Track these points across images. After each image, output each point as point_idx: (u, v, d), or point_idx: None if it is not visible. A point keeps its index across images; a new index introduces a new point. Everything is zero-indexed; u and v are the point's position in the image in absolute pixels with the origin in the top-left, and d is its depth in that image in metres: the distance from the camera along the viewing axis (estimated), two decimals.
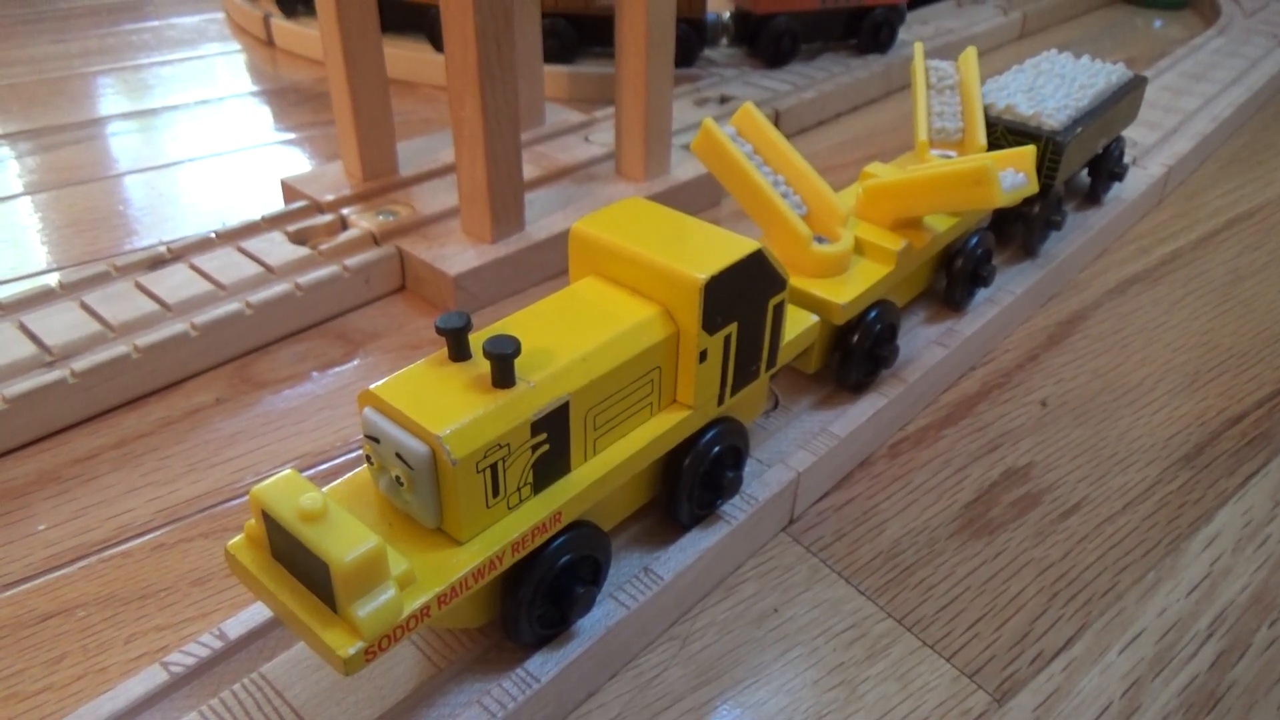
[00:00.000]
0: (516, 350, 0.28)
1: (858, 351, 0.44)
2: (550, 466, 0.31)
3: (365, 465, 0.30)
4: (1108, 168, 0.63)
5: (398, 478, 0.28)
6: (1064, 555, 0.41)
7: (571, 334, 0.31)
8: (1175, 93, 0.85)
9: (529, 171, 0.65)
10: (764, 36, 0.88)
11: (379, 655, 0.26)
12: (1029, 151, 0.49)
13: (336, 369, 0.52)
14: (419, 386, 0.29)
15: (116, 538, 0.41)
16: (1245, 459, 0.46)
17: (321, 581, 0.26)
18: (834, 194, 0.44)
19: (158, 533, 0.41)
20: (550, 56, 0.87)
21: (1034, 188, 0.49)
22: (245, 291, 0.53)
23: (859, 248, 0.45)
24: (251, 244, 0.56)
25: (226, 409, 0.49)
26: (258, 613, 0.34)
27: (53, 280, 0.52)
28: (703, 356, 0.33)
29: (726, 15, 0.92)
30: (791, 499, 0.41)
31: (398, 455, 0.28)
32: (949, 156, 0.53)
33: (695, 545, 0.37)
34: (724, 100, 0.83)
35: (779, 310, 0.36)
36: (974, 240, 0.50)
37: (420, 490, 0.28)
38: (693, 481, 0.36)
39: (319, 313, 0.55)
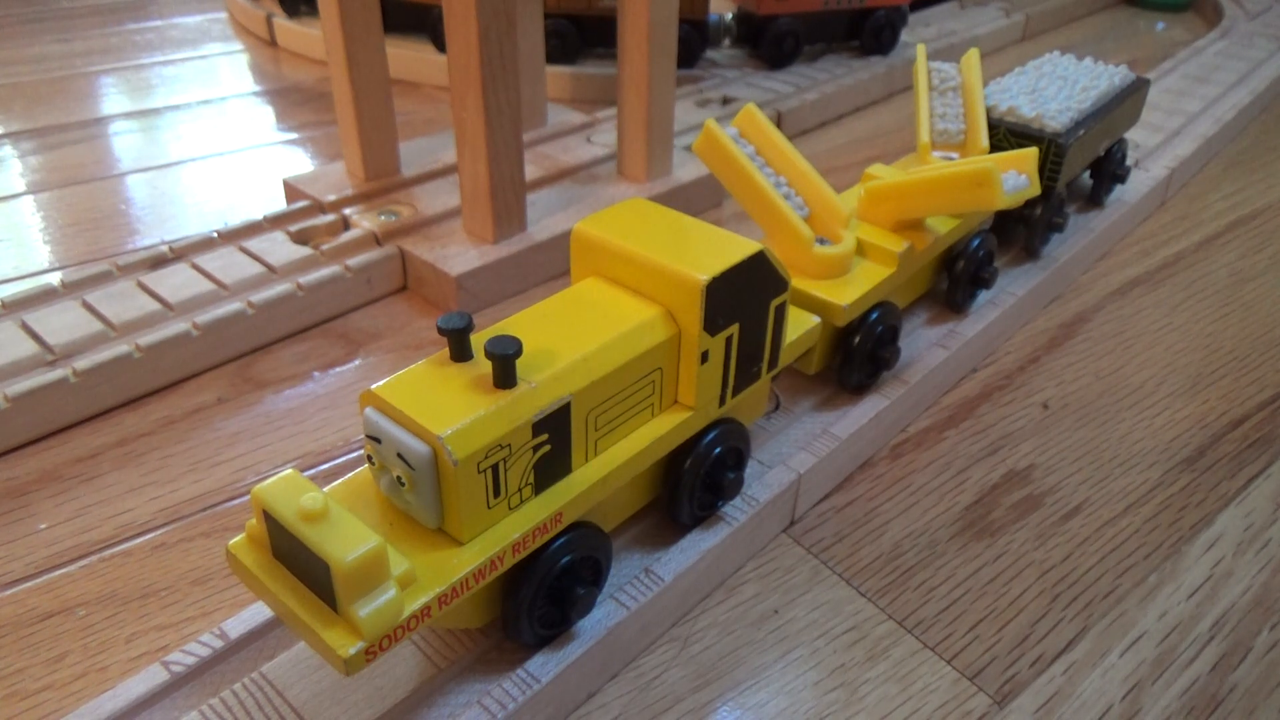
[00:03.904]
0: (518, 351, 0.28)
1: (859, 353, 0.44)
2: (551, 467, 0.31)
3: (366, 465, 0.30)
4: (1110, 170, 0.63)
5: (399, 478, 0.28)
6: (1065, 558, 0.41)
7: (573, 335, 0.31)
8: (1177, 95, 0.85)
9: (531, 172, 0.65)
10: (766, 37, 0.88)
11: (379, 655, 0.26)
12: (1031, 153, 0.49)
13: (338, 369, 0.52)
14: (420, 387, 0.29)
15: (117, 537, 0.41)
16: (1247, 462, 0.46)
17: (322, 581, 0.26)
18: (836, 195, 0.44)
19: (159, 532, 0.41)
20: (552, 57, 0.87)
21: (1036, 190, 0.49)
22: (247, 291, 0.53)
23: (861, 249, 0.45)
24: (253, 244, 0.57)
25: (228, 408, 0.49)
26: (258, 612, 0.34)
27: (55, 279, 0.52)
28: (704, 357, 0.33)
29: (729, 16, 0.92)
30: (792, 500, 0.41)
31: (399, 455, 0.28)
32: (951, 158, 0.53)
33: (696, 546, 0.37)
34: (726, 101, 0.83)
35: (780, 311, 0.36)
36: (976, 242, 0.50)
37: (421, 490, 0.28)
38: (694, 482, 0.36)
39: (320, 313, 0.55)
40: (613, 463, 0.32)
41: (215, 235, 0.57)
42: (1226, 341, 0.55)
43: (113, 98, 0.87)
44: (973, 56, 0.57)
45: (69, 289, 0.52)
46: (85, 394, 0.47)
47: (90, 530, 0.41)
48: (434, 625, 0.30)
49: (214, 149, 0.78)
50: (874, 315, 0.44)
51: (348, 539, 0.25)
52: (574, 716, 0.34)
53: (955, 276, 0.50)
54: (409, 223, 0.59)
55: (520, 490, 0.30)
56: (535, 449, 0.30)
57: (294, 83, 0.92)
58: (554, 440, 0.30)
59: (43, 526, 0.42)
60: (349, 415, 0.48)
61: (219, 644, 0.33)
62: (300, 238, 0.58)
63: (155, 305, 0.51)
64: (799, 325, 0.40)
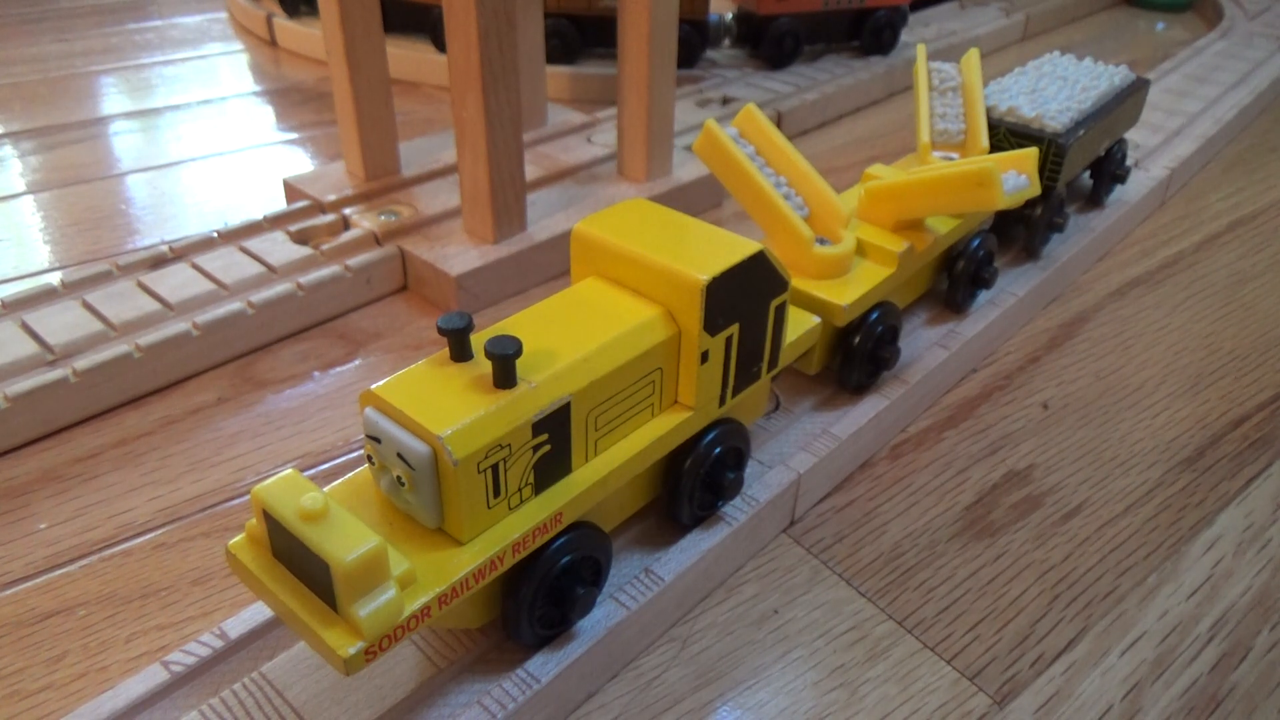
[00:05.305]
0: (518, 351, 0.28)
1: (859, 353, 0.44)
2: (551, 467, 0.31)
3: (366, 465, 0.30)
4: (1110, 170, 0.63)
5: (399, 478, 0.28)
6: (1065, 558, 0.41)
7: (573, 335, 0.31)
8: (1178, 95, 0.85)
9: (531, 172, 0.65)
10: (766, 37, 0.88)
11: (379, 655, 0.26)
12: (1031, 154, 0.49)
13: (338, 369, 0.52)
14: (420, 387, 0.29)
15: (117, 536, 0.41)
16: (1247, 462, 0.46)
17: (322, 581, 0.26)
18: (836, 195, 0.44)
19: (159, 532, 0.41)
20: (553, 57, 0.87)
21: (1036, 190, 0.49)
22: (247, 291, 0.53)
23: (861, 249, 0.45)
24: (253, 244, 0.57)
25: (228, 408, 0.49)
26: (258, 612, 0.34)
27: (55, 279, 0.52)
28: (704, 358, 0.33)
29: (729, 16, 0.92)
30: (792, 500, 0.41)
31: (399, 455, 0.28)
32: (951, 158, 0.53)
33: (696, 546, 0.37)
34: (726, 101, 0.83)
35: (780, 311, 0.36)
36: (976, 242, 0.50)
37: (421, 490, 0.28)
38: (694, 482, 0.36)
39: (321, 312, 0.55)
40: (613, 463, 0.32)
41: (215, 235, 0.57)
42: (1226, 341, 0.55)
43: (113, 98, 0.87)
44: (973, 56, 0.57)
45: (69, 289, 0.52)
46: (85, 394, 0.47)
47: (90, 530, 0.41)
48: (434, 625, 0.30)
49: (214, 149, 0.78)
50: (874, 315, 0.44)
51: (348, 539, 0.25)
52: (574, 716, 0.34)
53: (955, 276, 0.50)
54: (409, 223, 0.59)
55: (520, 490, 0.30)
56: (535, 449, 0.30)
57: (294, 82, 0.92)
58: (554, 440, 0.30)
59: (43, 526, 0.42)
60: (349, 415, 0.48)
61: (219, 644, 0.33)
62: (300, 238, 0.58)
63: (155, 305, 0.51)
64: (799, 325, 0.40)
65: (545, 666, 0.32)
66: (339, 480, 0.31)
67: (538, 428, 0.29)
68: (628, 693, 0.35)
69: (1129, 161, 0.69)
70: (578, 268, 0.36)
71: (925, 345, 0.50)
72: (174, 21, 1.08)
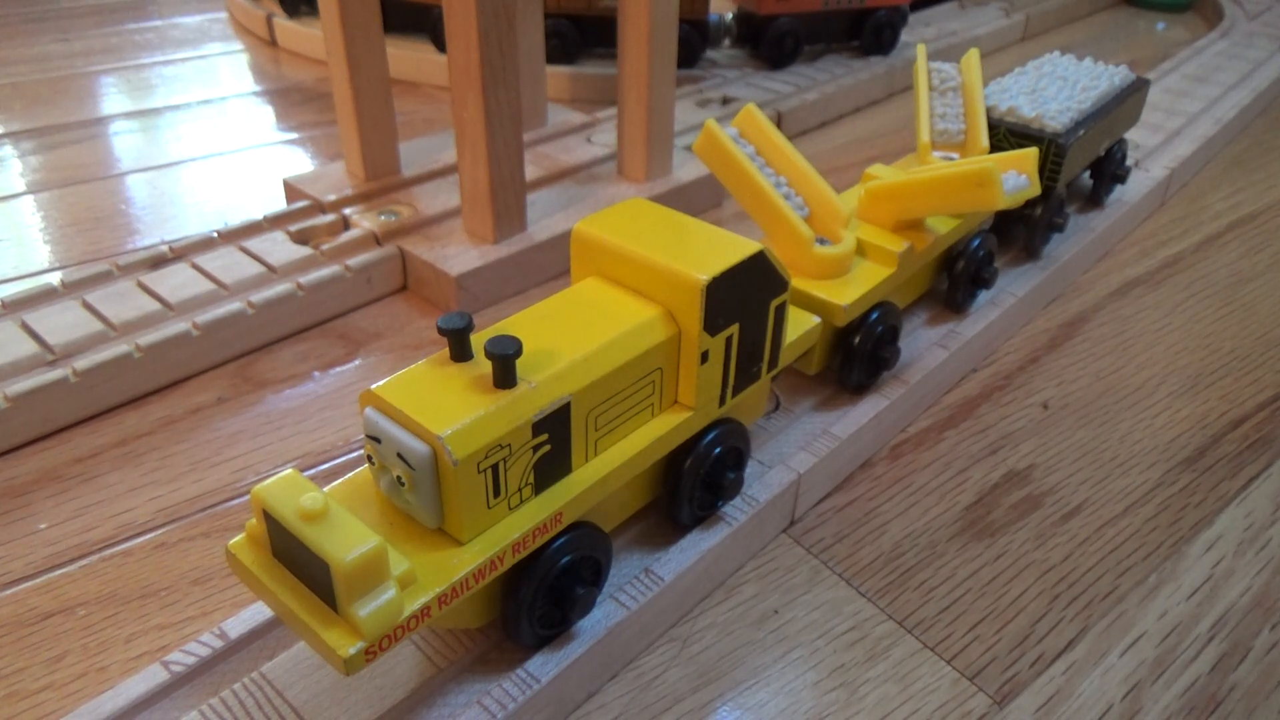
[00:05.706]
0: (518, 351, 0.28)
1: (859, 353, 0.44)
2: (551, 467, 0.31)
3: (366, 465, 0.30)
4: (1110, 170, 0.63)
5: (399, 478, 0.28)
6: (1065, 558, 0.41)
7: (573, 335, 0.31)
8: (1178, 95, 0.85)
9: (531, 172, 0.65)
10: (767, 37, 0.88)
11: (379, 655, 0.26)
12: (1031, 154, 0.49)
13: (338, 369, 0.52)
14: (420, 386, 0.29)
15: (117, 536, 0.41)
16: (1247, 462, 0.46)
17: (322, 581, 0.26)
18: (836, 195, 0.44)
19: (159, 532, 0.41)
20: (553, 57, 0.87)
21: (1036, 190, 0.49)
22: (247, 291, 0.53)
23: (861, 249, 0.45)
24: (253, 244, 0.57)
25: (228, 408, 0.49)
26: (258, 612, 0.34)
27: (55, 279, 0.52)
28: (704, 358, 0.33)
29: (729, 16, 0.92)
30: (792, 500, 0.41)
31: (399, 455, 0.28)
32: (951, 158, 0.53)
33: (696, 546, 0.37)
34: (726, 101, 0.83)
35: (780, 311, 0.36)
36: (976, 242, 0.50)
37: (421, 490, 0.28)
38: (694, 482, 0.36)
39: (321, 312, 0.55)
40: (613, 463, 0.32)
41: (215, 235, 0.57)
42: (1226, 341, 0.55)
43: (113, 97, 0.87)
44: (973, 56, 0.57)
45: (69, 289, 0.52)
46: (85, 394, 0.47)
47: (90, 530, 0.41)
48: (434, 625, 0.30)
49: (214, 149, 0.78)
50: (874, 315, 0.44)
51: (348, 539, 0.25)
52: (574, 716, 0.34)
53: (955, 276, 0.50)
54: (409, 223, 0.59)
55: (520, 490, 0.30)
56: (535, 449, 0.30)
57: (294, 82, 0.92)
58: (554, 440, 0.30)
59: (43, 526, 0.42)
60: (349, 415, 0.48)
61: (219, 644, 0.33)
62: (300, 238, 0.58)
63: (155, 305, 0.51)
64: (799, 325, 0.40)
65: (545, 666, 0.32)
66: (339, 480, 0.31)
67: (538, 428, 0.29)
68: (628, 693, 0.35)
69: (1129, 161, 0.69)
70: (578, 268, 0.36)
71: (925, 345, 0.50)
72: (174, 21, 1.08)
